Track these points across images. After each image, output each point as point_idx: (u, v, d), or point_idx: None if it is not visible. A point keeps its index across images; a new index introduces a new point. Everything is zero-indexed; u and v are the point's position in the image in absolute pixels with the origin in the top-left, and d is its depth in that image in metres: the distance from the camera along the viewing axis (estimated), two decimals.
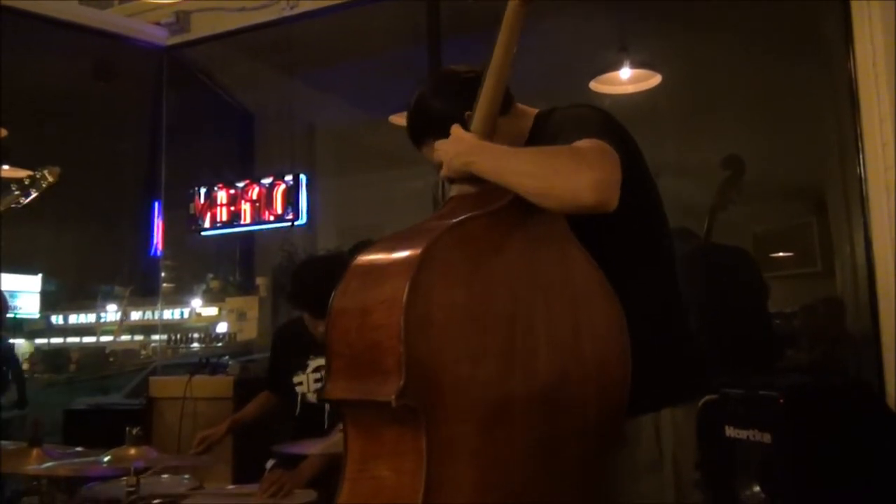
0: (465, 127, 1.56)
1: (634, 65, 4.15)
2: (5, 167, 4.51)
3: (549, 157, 1.37)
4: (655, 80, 4.20)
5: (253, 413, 3.15)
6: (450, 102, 1.63)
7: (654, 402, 1.50)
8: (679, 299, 1.64)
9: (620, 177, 1.30)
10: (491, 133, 1.50)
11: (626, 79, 4.20)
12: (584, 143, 1.34)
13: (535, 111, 1.67)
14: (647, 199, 1.61)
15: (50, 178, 2.28)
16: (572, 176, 1.29)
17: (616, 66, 4.15)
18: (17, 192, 2.24)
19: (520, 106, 1.68)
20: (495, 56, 1.48)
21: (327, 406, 2.84)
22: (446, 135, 1.60)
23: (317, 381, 2.94)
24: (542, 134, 1.54)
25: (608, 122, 1.50)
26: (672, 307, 1.61)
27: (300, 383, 2.99)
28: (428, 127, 1.66)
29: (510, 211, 1.37)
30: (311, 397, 2.95)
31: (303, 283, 2.92)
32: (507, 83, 1.52)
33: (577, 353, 1.41)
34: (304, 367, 2.99)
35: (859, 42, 3.05)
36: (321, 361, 2.93)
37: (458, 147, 1.45)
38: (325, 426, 2.81)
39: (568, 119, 1.51)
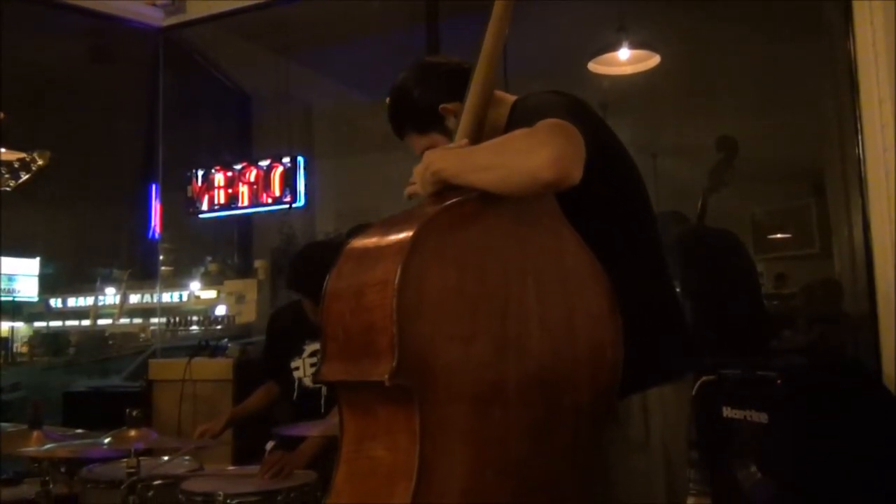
0: (442, 121, 1.62)
1: (633, 45, 4.12)
2: (2, 150, 4.50)
3: (504, 145, 1.38)
4: (654, 60, 4.18)
5: (253, 406, 3.16)
6: (429, 92, 1.67)
7: (642, 382, 1.51)
8: (665, 281, 1.65)
9: (582, 151, 1.30)
10: (482, 124, 1.52)
11: (625, 59, 4.17)
12: (538, 124, 1.34)
13: (513, 99, 1.66)
14: (623, 181, 1.61)
15: (40, 162, 2.27)
16: (527, 157, 1.29)
17: (614, 46, 4.12)
18: (6, 176, 2.23)
19: (498, 94, 1.66)
20: (485, 46, 1.50)
21: (324, 390, 2.85)
22: (426, 125, 1.65)
23: (313, 365, 2.95)
24: (514, 123, 1.54)
25: (571, 104, 1.50)
26: (656, 290, 1.62)
27: (297, 368, 3.00)
28: (408, 116, 1.70)
29: (503, 196, 1.37)
30: (308, 382, 2.95)
31: (303, 269, 2.91)
32: (496, 72, 1.53)
33: (570, 334, 1.42)
34: (300, 352, 3.00)
35: (859, 23, 3.04)
36: (317, 346, 2.94)
37: (427, 160, 1.44)
38: (323, 410, 2.82)
39: (530, 106, 1.51)
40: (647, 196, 1.66)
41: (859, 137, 3.05)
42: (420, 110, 1.68)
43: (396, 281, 1.22)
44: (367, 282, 1.28)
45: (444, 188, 1.39)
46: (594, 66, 4.20)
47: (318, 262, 2.77)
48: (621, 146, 1.64)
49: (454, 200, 1.34)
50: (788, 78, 4.05)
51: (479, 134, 1.50)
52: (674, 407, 1.55)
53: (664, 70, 4.19)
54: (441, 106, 1.64)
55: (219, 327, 5.19)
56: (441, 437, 1.25)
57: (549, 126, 1.32)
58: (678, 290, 3.00)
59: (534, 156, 1.28)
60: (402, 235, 1.28)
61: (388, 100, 1.74)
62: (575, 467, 1.41)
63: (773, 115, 4.16)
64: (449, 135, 1.63)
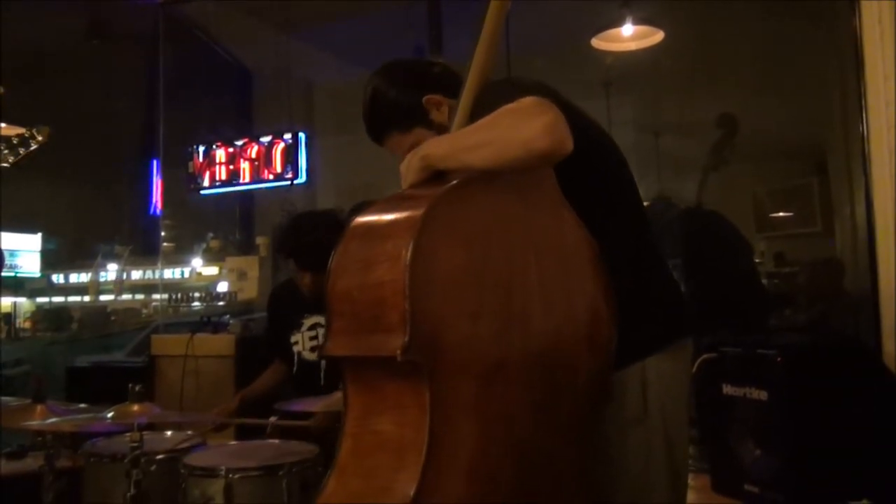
0: (427, 114, 1.64)
1: (636, 21, 4.09)
2: (2, 125, 4.49)
3: (493, 122, 1.37)
4: (658, 36, 4.14)
5: (263, 386, 3.18)
6: (407, 88, 1.68)
7: (639, 350, 1.52)
8: (650, 248, 1.65)
9: (566, 121, 1.31)
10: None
11: (629, 35, 4.14)
12: (521, 101, 1.34)
13: None
14: (598, 154, 1.59)
15: (40, 138, 2.26)
16: (519, 129, 1.29)
17: (618, 22, 4.09)
18: (6, 152, 2.22)
19: None
20: (480, 44, 1.50)
21: (323, 363, 2.88)
22: (410, 121, 1.66)
23: (312, 338, 2.99)
24: (480, 109, 1.51)
25: (540, 85, 1.51)
26: (642, 257, 1.62)
27: (296, 342, 3.03)
28: (391, 117, 1.70)
29: (507, 175, 1.38)
30: (308, 355, 2.99)
31: (291, 233, 2.98)
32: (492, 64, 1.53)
33: (570, 314, 1.44)
34: (298, 326, 3.03)
35: None
36: (315, 319, 2.99)
37: (415, 149, 1.43)
38: (322, 383, 2.85)
39: (499, 89, 1.50)
40: (626, 165, 1.66)
41: (863, 115, 3.03)
42: (403, 108, 1.68)
43: (409, 256, 1.22)
44: (376, 258, 1.28)
45: (431, 175, 1.38)
46: (597, 43, 4.17)
47: (306, 228, 2.89)
48: (591, 122, 1.64)
49: (460, 179, 1.34)
50: (792, 55, 4.03)
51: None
52: (672, 379, 1.56)
53: (668, 46, 4.16)
54: (426, 98, 1.65)
55: (221, 303, 5.20)
56: (449, 412, 1.25)
57: (532, 100, 1.32)
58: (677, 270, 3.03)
59: (525, 127, 1.28)
60: (412, 212, 1.28)
61: (363, 111, 1.74)
62: (574, 446, 1.42)
63: (777, 93, 4.14)
64: (434, 128, 1.64)
